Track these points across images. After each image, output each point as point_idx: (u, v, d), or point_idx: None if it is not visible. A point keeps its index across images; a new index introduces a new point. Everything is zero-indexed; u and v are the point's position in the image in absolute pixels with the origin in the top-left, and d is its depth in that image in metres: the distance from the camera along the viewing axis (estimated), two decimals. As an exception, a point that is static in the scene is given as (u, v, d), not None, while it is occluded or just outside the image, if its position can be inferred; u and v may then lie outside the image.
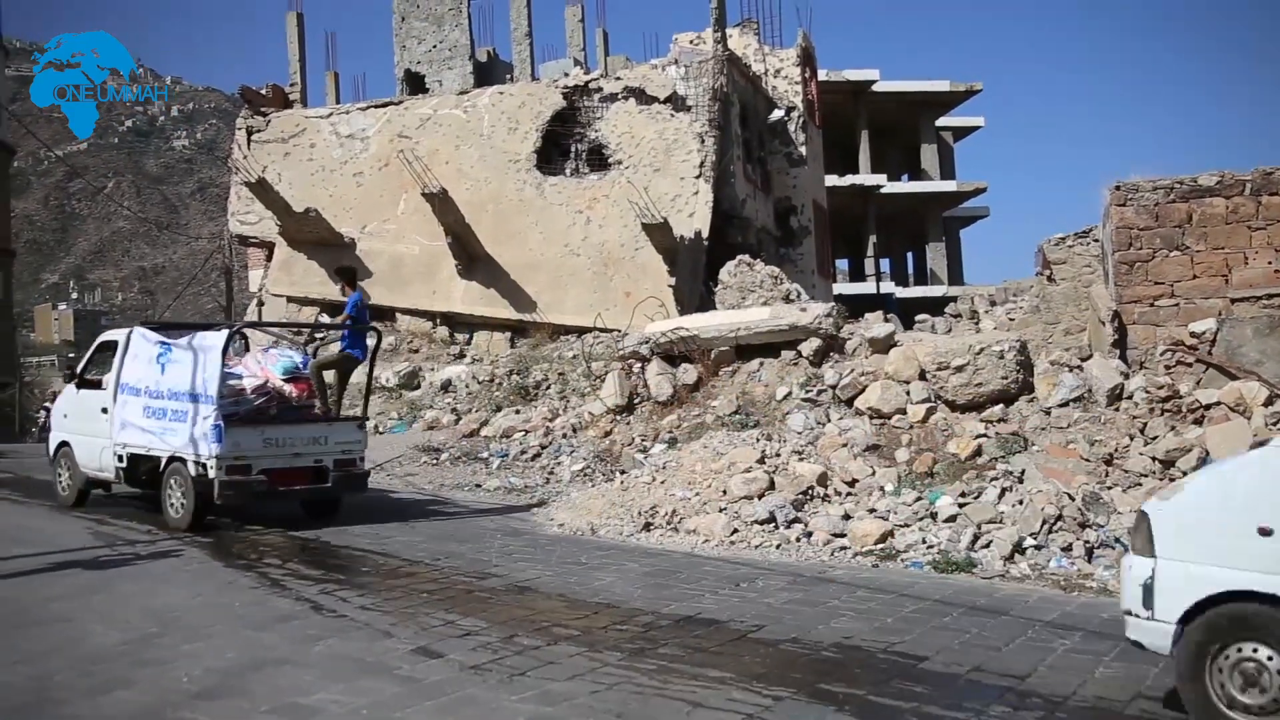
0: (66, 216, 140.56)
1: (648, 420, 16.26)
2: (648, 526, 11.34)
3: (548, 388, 20.10)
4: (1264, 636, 5.11)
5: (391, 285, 26.75)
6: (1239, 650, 5.17)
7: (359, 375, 13.77)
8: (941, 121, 52.25)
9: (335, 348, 13.64)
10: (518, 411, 18.92)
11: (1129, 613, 5.57)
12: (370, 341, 13.31)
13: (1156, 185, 14.82)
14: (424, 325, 26.66)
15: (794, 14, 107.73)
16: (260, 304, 28.95)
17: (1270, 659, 5.07)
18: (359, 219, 27.30)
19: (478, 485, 15.12)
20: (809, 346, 15.57)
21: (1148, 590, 5.47)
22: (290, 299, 27.95)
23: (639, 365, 17.24)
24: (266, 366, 12.68)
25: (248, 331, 14.91)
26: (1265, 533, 5.12)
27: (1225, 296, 14.37)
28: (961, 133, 55.91)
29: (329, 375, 12.93)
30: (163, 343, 12.27)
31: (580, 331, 23.70)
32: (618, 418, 16.66)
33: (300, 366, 12.82)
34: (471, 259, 25.76)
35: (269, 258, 28.95)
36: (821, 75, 37.07)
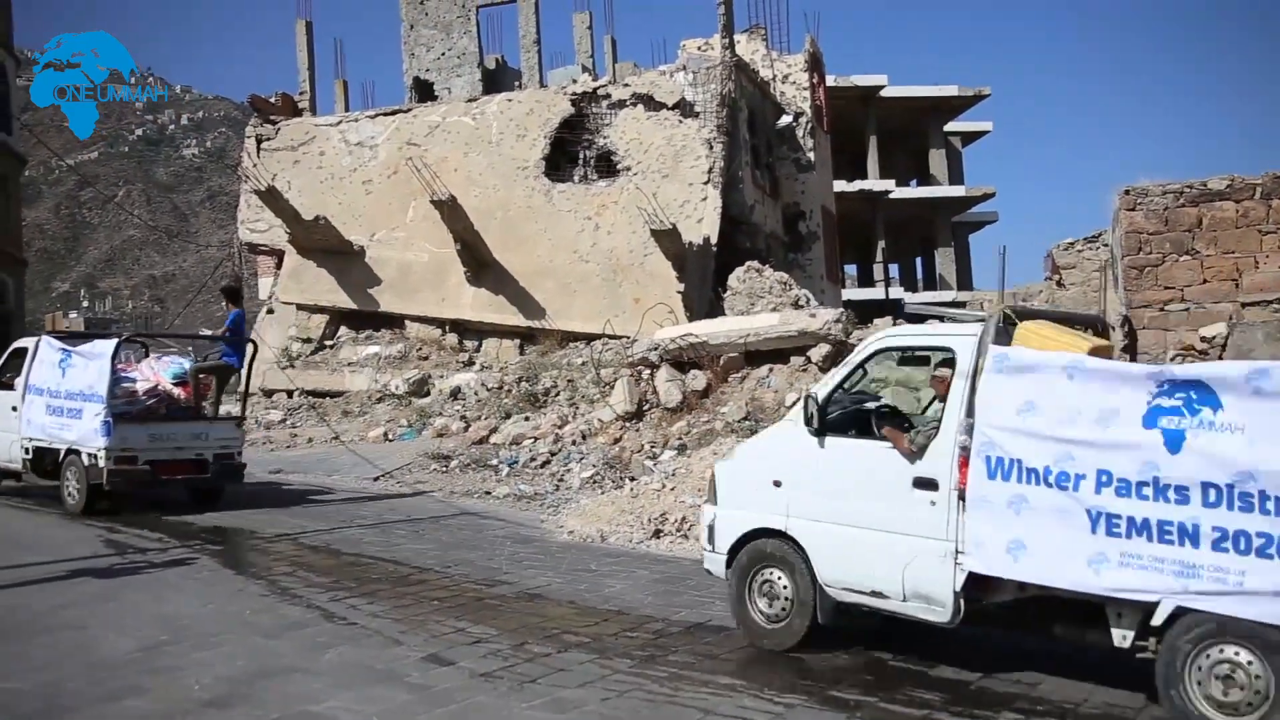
0: (77, 225, 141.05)
1: (657, 427, 16.26)
2: (658, 533, 11.34)
3: (557, 394, 20.11)
4: (777, 563, 7.09)
5: (401, 292, 26.81)
6: (763, 574, 7.14)
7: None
8: (950, 126, 52.25)
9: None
10: (527, 418, 18.93)
11: (703, 549, 7.60)
12: (248, 351, 14.81)
13: (1166, 189, 14.80)
14: (433, 332, 26.71)
15: (802, 20, 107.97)
16: (270, 311, 29.05)
17: (779, 578, 7.05)
18: (368, 226, 27.36)
19: (487, 492, 15.13)
20: (818, 352, 15.57)
21: (711, 530, 7.48)
22: (300, 306, 28.04)
23: (648, 372, 17.25)
24: (159, 372, 14.42)
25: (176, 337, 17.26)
26: (777, 484, 7.11)
27: (1236, 301, 14.34)
28: (970, 138, 55.89)
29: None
30: (64, 350, 13.96)
31: (589, 338, 23.72)
32: (627, 424, 16.66)
33: (186, 373, 14.50)
34: (480, 266, 25.79)
35: (278, 265, 29.04)
36: (829, 81, 37.08)
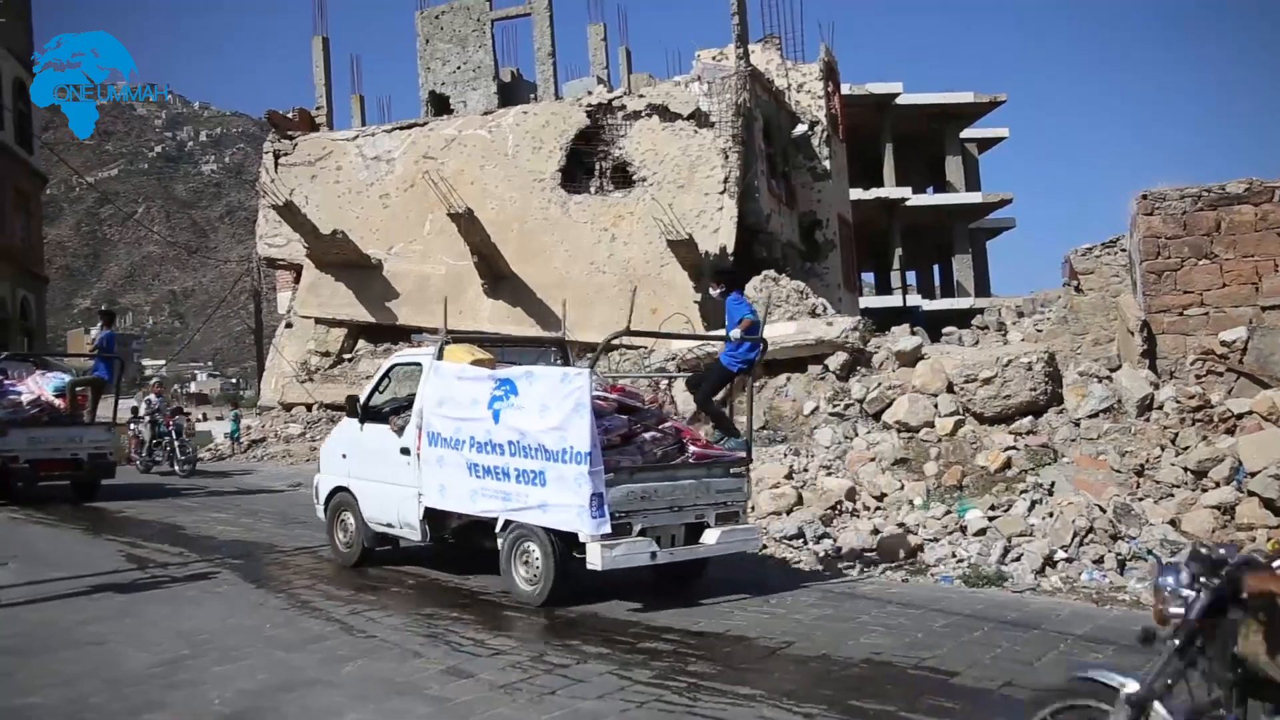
0: (98, 242, 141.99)
1: (675, 437, 16.23)
2: (677, 543, 11.30)
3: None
4: (348, 508, 10.64)
5: (418, 305, 26.89)
6: (341, 515, 10.74)
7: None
8: (966, 133, 52.12)
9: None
10: (545, 429, 18.91)
11: (314, 502, 11.28)
12: (116, 367, 17.91)
13: (1184, 194, 14.71)
14: (451, 345, 26.76)
15: (816, 29, 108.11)
16: (288, 325, 29.19)
17: (349, 518, 10.61)
18: (385, 240, 27.47)
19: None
20: (836, 361, 15.54)
21: (316, 488, 11.27)
22: (318, 320, 28.17)
23: (666, 382, 17.24)
24: (42, 385, 17.11)
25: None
26: (344, 456, 10.79)
27: (1255, 304, 14.24)
28: (986, 144, 55.74)
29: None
30: None
31: (607, 349, 23.74)
32: (645, 435, 16.64)
33: (65, 386, 17.21)
34: (497, 278, 25.86)
35: (297, 280, 29.20)
36: (844, 89, 37.07)
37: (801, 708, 5.85)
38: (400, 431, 9.92)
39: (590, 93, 28.70)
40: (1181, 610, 3.41)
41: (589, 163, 26.37)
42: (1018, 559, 9.73)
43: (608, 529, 8.22)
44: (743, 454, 9.81)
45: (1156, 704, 3.44)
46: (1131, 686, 3.49)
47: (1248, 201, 14.41)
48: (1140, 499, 10.56)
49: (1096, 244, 19.64)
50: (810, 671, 6.66)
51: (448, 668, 6.73)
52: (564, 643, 7.35)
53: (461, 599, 9.06)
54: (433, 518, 9.65)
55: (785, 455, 12.99)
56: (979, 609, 8.36)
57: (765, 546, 10.82)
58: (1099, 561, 9.49)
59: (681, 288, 23.85)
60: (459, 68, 33.02)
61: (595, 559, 8.21)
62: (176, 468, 20.85)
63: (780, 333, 16.43)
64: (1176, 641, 3.42)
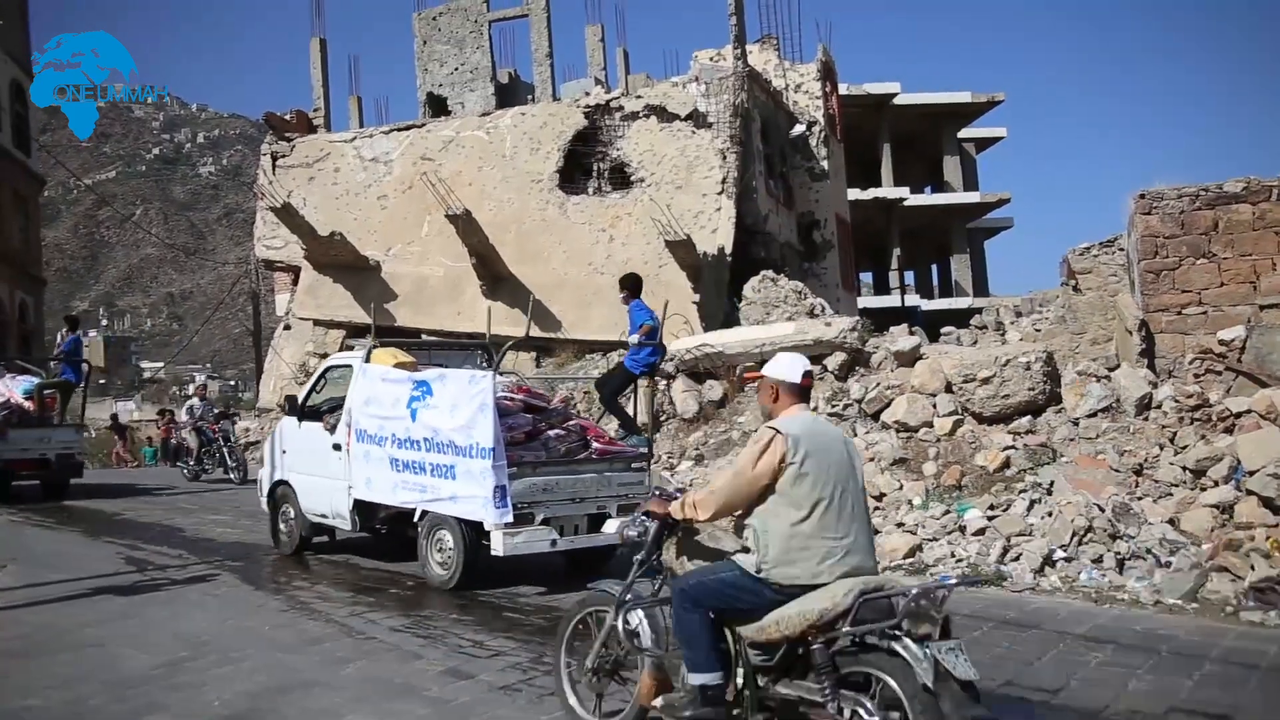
0: (96, 244, 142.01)
1: (674, 438, 16.26)
2: (675, 544, 11.30)
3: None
4: (289, 501, 11.58)
5: (417, 307, 26.88)
6: (282, 507, 11.76)
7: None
8: (963, 133, 52.11)
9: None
10: (544, 430, 18.93)
11: (259, 496, 12.35)
12: (84, 370, 18.80)
13: (1182, 193, 14.71)
14: (449, 346, 26.76)
15: (814, 29, 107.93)
16: (287, 327, 29.19)
17: (288, 510, 11.62)
18: (383, 242, 27.46)
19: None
20: (834, 361, 15.54)
21: (259, 482, 12.36)
22: (317, 322, 28.16)
23: (664, 383, 17.25)
24: (12, 389, 17.71)
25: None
26: (284, 452, 11.73)
27: (1253, 303, 14.23)
28: (984, 144, 55.74)
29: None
30: None
31: (605, 349, 23.74)
32: (644, 435, 16.66)
33: (34, 389, 17.76)
34: (496, 279, 25.85)
35: (295, 281, 29.17)
36: (842, 89, 37.08)
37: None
38: (332, 429, 10.93)
39: (588, 94, 28.70)
40: (636, 534, 5.16)
41: (587, 164, 26.36)
42: (1017, 558, 9.73)
43: (510, 519, 9.08)
44: (644, 450, 10.75)
45: (629, 597, 5.21)
46: (616, 590, 5.26)
47: (1245, 200, 14.41)
48: (1139, 498, 10.56)
49: (1094, 243, 19.64)
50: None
51: (447, 669, 6.74)
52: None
53: (460, 601, 9.06)
54: (362, 508, 10.62)
55: (784, 455, 12.98)
56: (979, 608, 8.36)
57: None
58: (1098, 561, 9.49)
59: (680, 288, 23.83)
60: (457, 69, 33.03)
61: (498, 546, 9.14)
62: (232, 475, 20.16)
63: (778, 333, 16.43)
64: (638, 557, 5.16)
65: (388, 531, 10.87)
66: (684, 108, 25.43)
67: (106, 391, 76.44)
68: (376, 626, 8.00)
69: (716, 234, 24.40)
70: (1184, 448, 11.21)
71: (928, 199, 50.57)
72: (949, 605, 4.40)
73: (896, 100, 47.19)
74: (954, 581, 4.42)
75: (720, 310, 23.63)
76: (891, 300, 47.01)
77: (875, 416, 14.10)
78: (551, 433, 10.12)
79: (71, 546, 12.76)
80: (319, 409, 11.44)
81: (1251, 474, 9.86)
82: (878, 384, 14.44)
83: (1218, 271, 14.54)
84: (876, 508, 11.57)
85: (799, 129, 30.83)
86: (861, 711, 4.29)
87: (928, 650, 4.14)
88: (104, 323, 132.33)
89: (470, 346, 14.61)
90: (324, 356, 27.67)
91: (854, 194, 40.18)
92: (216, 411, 22.48)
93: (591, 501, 9.82)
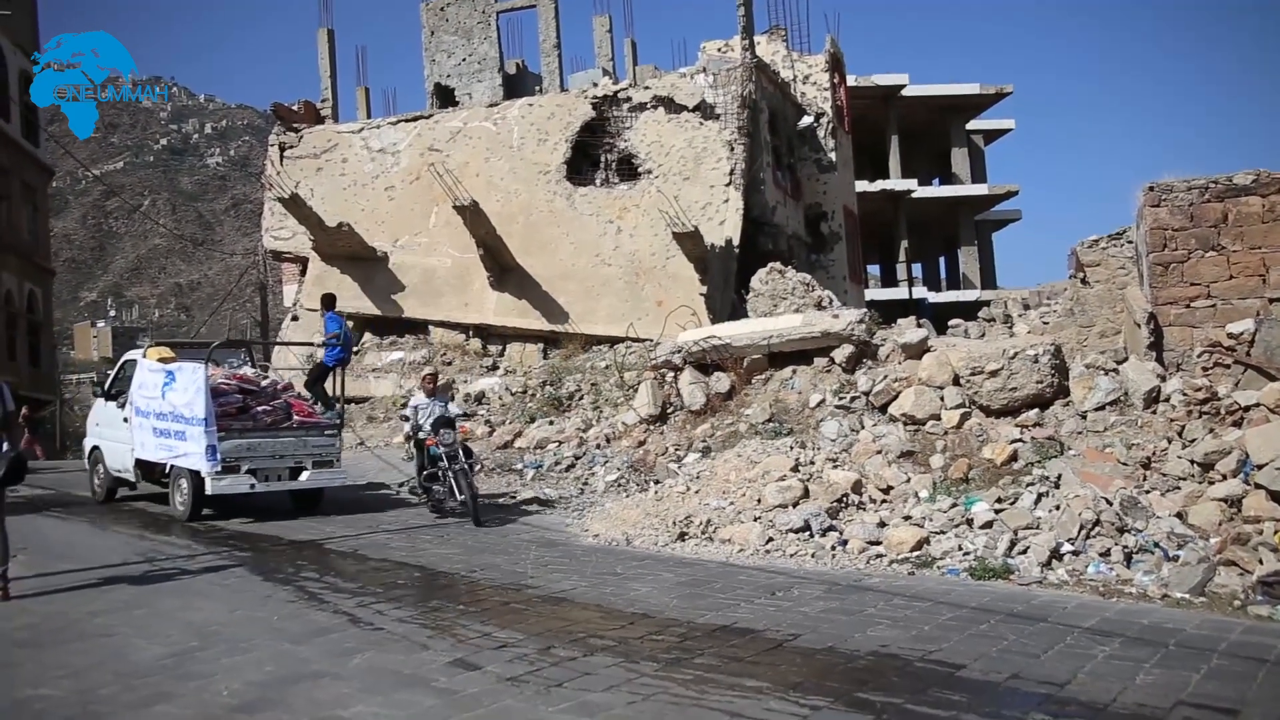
0: (104, 235, 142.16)
1: (681, 430, 16.26)
2: (682, 536, 11.34)
3: (581, 398, 20.14)
4: (100, 460, 15.84)
5: (424, 298, 26.92)
6: (98, 465, 15.96)
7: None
8: (972, 125, 52.00)
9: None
10: (551, 422, 18.97)
11: (84, 460, 16.92)
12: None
13: (1191, 185, 14.67)
14: (457, 337, 26.80)
15: (822, 20, 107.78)
16: (294, 318, 29.20)
17: (100, 467, 15.90)
18: (391, 232, 27.49)
19: (512, 496, 15.17)
20: (842, 353, 15.52)
21: (84, 449, 16.95)
22: (324, 313, 28.15)
23: (672, 374, 17.25)
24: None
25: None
26: (96, 424, 16.05)
27: (1263, 296, 14.20)
28: (992, 136, 55.62)
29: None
30: None
31: (612, 341, 23.76)
32: (651, 427, 16.67)
33: None
34: (503, 270, 25.87)
35: (303, 272, 29.20)
36: (850, 81, 37.01)
37: (808, 700, 5.86)
38: (123, 406, 14.81)
39: (595, 84, 28.66)
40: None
41: (594, 155, 26.36)
42: (1024, 552, 9.72)
43: (219, 469, 13.12)
44: (336, 422, 15.03)
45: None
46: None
47: (1255, 193, 14.38)
48: (1147, 491, 10.55)
49: (1103, 236, 19.62)
50: (817, 664, 6.67)
51: (455, 660, 6.75)
52: (569, 635, 7.37)
53: (468, 591, 9.08)
54: (142, 465, 14.58)
55: (791, 448, 12.98)
56: (985, 602, 8.36)
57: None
58: (1105, 554, 9.48)
59: (687, 280, 23.85)
60: (464, 60, 32.96)
61: (210, 488, 13.25)
62: (465, 504, 13.25)
63: (786, 325, 16.42)
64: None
65: (163, 482, 14.54)
66: (692, 99, 25.41)
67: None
68: (384, 617, 8.02)
69: (724, 225, 24.40)
70: (1192, 441, 11.19)
71: (936, 191, 50.49)
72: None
73: (905, 92, 47.13)
74: None
75: (727, 302, 23.63)
76: (899, 292, 46.95)
77: (883, 409, 14.08)
78: (260, 408, 14.16)
79: (81, 536, 12.83)
80: (117, 391, 15.31)
81: (1260, 468, 9.85)
82: (885, 376, 14.42)
83: (1227, 264, 14.51)
84: (884, 500, 11.57)
85: (807, 120, 30.79)
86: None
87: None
88: (112, 313, 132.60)
89: (234, 345, 19.02)
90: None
91: (862, 186, 40.13)
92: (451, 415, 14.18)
93: (291, 458, 13.97)
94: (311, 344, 16.70)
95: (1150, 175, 15.48)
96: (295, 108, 31.09)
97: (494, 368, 25.68)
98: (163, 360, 14.09)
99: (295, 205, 26.16)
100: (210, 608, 8.46)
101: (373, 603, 8.57)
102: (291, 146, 29.41)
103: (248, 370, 15.63)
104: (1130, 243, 18.08)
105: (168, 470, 14.05)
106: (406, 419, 14.68)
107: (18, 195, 36.50)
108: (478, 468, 14.97)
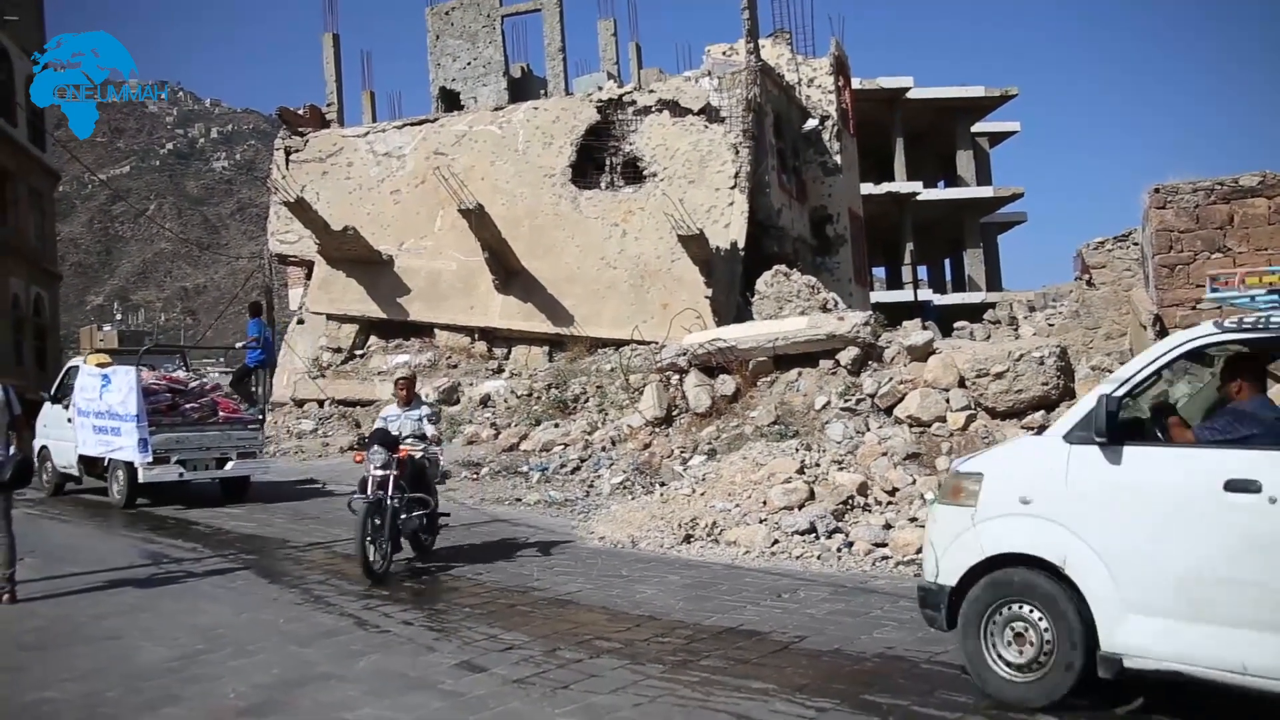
0: (110, 239, 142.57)
1: (686, 432, 16.25)
2: (688, 538, 11.33)
3: (586, 401, 20.15)
4: (49, 458, 17.09)
5: (430, 301, 26.94)
6: (45, 464, 16.90)
7: None
8: (977, 127, 51.94)
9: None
10: (557, 425, 18.97)
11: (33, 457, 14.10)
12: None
13: (1197, 187, 14.65)
14: (462, 340, 26.81)
15: (826, 23, 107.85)
16: (300, 322, 29.25)
17: (50, 466, 17.04)
18: (396, 236, 27.52)
19: (518, 499, 15.17)
20: (847, 355, 15.51)
21: (34, 449, 14.85)
22: (330, 316, 28.21)
23: (677, 377, 17.24)
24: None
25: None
26: (44, 425, 17.09)
27: (1269, 298, 14.16)
28: (997, 138, 55.57)
29: None
30: None
31: (618, 344, 23.75)
32: (656, 430, 16.67)
33: None
34: (508, 274, 25.89)
35: (308, 276, 29.25)
36: (855, 83, 37.00)
37: (814, 702, 5.86)
38: (67, 408, 16.22)
39: (600, 88, 28.69)
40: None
41: (599, 158, 26.37)
42: (1030, 553, 9.68)
43: (150, 460, 14.57)
44: (259, 418, 16.57)
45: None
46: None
47: (1261, 194, 14.35)
48: (1153, 493, 10.51)
49: (1108, 238, 19.61)
50: (823, 666, 6.67)
51: (460, 662, 6.76)
52: (575, 637, 7.37)
53: (474, 593, 9.08)
54: (85, 460, 16.02)
55: (797, 450, 12.97)
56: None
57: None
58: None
59: (692, 283, 23.85)
60: (469, 64, 33.05)
61: (142, 476, 14.80)
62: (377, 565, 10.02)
63: (791, 328, 16.41)
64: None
65: (100, 475, 15.98)
66: (697, 102, 25.42)
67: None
68: (390, 619, 8.03)
69: (729, 228, 24.40)
70: (1199, 443, 11.15)
71: (941, 193, 50.43)
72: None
73: (910, 94, 47.08)
74: None
75: (733, 305, 23.63)
76: (904, 295, 46.90)
77: (888, 411, 14.08)
78: (187, 405, 15.84)
79: (87, 539, 12.84)
80: (62, 396, 16.79)
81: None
82: (890, 379, 14.41)
83: (1233, 266, 14.46)
84: (890, 502, 11.56)
85: (812, 123, 30.79)
86: None
87: None
88: (118, 317, 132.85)
89: (169, 351, 22.36)
90: (337, 350, 27.94)
91: (867, 188, 40.10)
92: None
93: (217, 449, 15.56)
94: (233, 347, 20.10)
95: (1156, 177, 15.44)
96: (301, 112, 31.16)
97: (499, 371, 25.68)
98: (101, 365, 15.79)
99: (301, 209, 26.20)
100: (216, 610, 8.48)
101: (379, 605, 8.58)
102: (297, 151, 29.46)
103: (179, 373, 17.50)
104: (1136, 244, 18.06)
105: (107, 464, 15.51)
106: (363, 441, 11.03)
107: (24, 200, 36.56)
108: (431, 507, 10.58)
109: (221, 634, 7.63)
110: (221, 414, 16.01)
